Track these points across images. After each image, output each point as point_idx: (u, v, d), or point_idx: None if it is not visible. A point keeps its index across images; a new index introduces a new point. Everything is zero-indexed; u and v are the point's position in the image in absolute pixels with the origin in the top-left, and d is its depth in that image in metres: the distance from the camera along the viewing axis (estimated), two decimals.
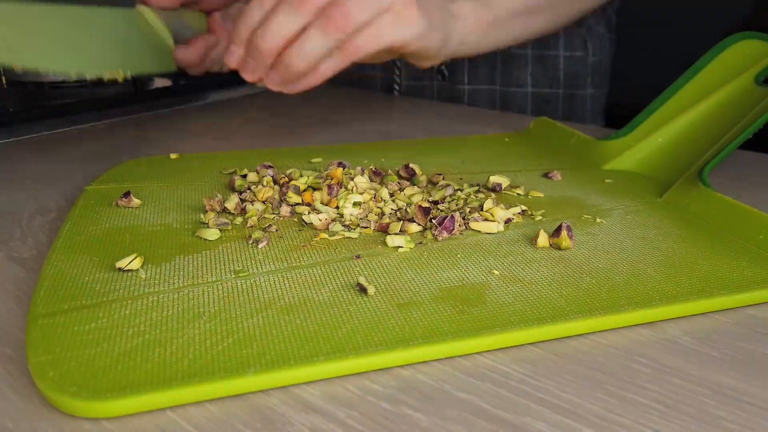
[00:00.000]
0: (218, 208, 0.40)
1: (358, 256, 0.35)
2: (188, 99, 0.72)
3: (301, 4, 0.40)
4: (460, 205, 0.42)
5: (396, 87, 0.78)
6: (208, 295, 0.31)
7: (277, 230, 0.38)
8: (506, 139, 0.60)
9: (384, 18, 0.42)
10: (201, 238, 0.37)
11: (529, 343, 0.29)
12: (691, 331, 0.30)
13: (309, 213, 0.39)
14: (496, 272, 0.33)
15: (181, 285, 0.32)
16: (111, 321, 0.28)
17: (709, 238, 0.38)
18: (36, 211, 0.42)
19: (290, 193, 0.41)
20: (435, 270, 0.34)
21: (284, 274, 0.33)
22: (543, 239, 0.37)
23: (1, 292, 0.32)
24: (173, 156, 0.46)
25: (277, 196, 0.42)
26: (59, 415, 0.24)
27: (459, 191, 0.44)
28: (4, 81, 0.69)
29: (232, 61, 0.44)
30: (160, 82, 0.78)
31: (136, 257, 0.33)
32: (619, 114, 0.84)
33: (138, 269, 0.33)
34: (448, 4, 0.49)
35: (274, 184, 0.44)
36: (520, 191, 0.45)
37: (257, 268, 0.33)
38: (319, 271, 0.33)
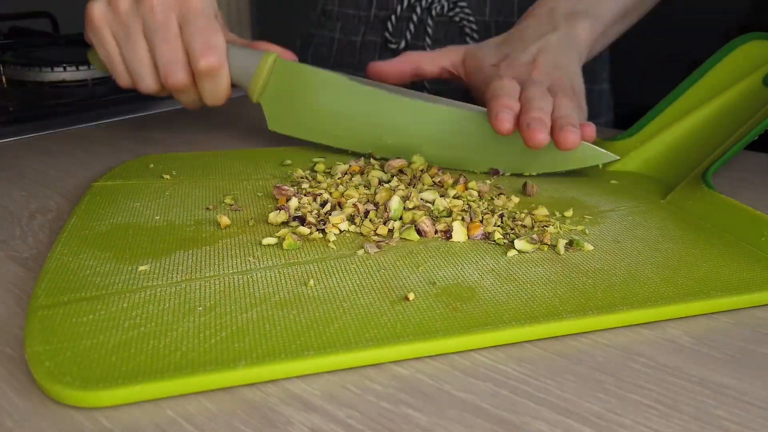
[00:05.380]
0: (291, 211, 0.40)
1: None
2: None
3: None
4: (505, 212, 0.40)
5: (426, 87, 0.78)
6: (205, 290, 0.31)
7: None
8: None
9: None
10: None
11: (529, 343, 0.29)
12: (690, 330, 0.30)
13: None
14: (492, 270, 0.33)
15: (179, 279, 0.32)
16: (108, 313, 0.29)
17: (711, 240, 0.38)
18: (36, 211, 0.42)
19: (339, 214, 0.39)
20: (431, 268, 0.34)
21: (281, 270, 0.33)
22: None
23: (1, 291, 0.32)
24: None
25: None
26: (60, 414, 0.24)
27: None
28: (4, 81, 0.69)
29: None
30: None
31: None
32: (620, 113, 0.84)
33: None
34: (572, 25, 0.54)
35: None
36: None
37: (255, 264, 0.33)
38: (316, 268, 0.33)
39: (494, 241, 0.37)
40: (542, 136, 0.42)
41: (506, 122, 0.43)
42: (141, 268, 0.33)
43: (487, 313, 0.29)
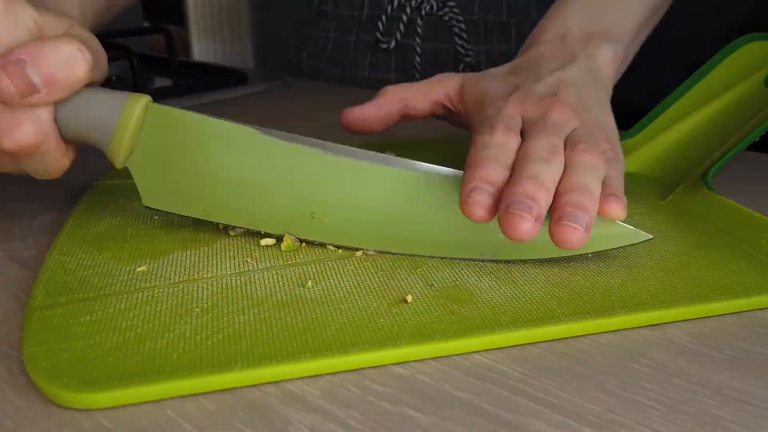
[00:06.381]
0: None
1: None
2: (188, 99, 0.72)
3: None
4: None
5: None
6: (203, 291, 0.31)
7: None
8: None
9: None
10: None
11: (529, 343, 0.29)
12: (691, 331, 0.30)
13: None
14: (490, 273, 0.33)
15: (177, 280, 0.32)
16: (105, 314, 0.29)
17: (710, 242, 0.37)
18: (36, 211, 0.42)
19: None
20: (429, 269, 0.34)
21: (279, 272, 0.33)
22: None
23: (1, 291, 0.32)
24: None
25: None
26: (60, 415, 0.24)
27: None
28: None
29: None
30: (159, 82, 0.78)
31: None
32: (620, 114, 0.84)
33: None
34: (593, 54, 0.45)
35: None
36: None
37: (253, 265, 0.33)
38: (314, 269, 0.33)
39: None
40: (525, 225, 0.30)
41: (480, 208, 0.31)
42: (139, 268, 0.33)
43: (485, 316, 0.29)
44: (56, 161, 0.34)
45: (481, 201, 0.31)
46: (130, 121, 0.34)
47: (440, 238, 0.35)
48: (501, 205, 0.31)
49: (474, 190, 0.32)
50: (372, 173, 0.35)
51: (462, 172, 0.34)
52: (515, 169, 0.33)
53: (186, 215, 0.36)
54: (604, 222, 0.34)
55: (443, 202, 0.35)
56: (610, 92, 0.45)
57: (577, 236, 0.31)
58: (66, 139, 0.34)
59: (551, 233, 0.31)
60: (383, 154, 0.36)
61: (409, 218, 0.35)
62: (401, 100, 0.44)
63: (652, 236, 0.35)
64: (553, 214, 0.31)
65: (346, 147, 0.36)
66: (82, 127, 0.34)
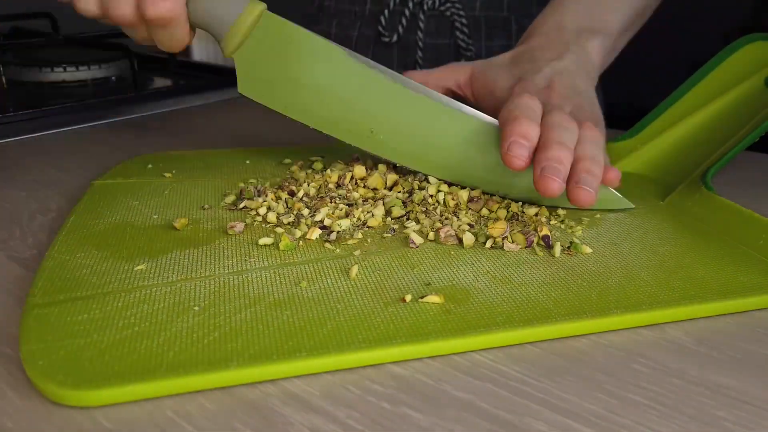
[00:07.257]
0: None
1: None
2: (188, 99, 0.72)
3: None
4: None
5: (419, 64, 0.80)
6: (200, 290, 0.31)
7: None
8: None
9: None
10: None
11: (529, 343, 0.29)
12: (691, 331, 0.30)
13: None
14: (487, 273, 0.33)
15: (174, 279, 0.32)
16: (103, 312, 0.29)
17: (709, 243, 0.37)
18: (36, 211, 0.42)
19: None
20: (427, 270, 0.34)
21: (276, 271, 0.33)
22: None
23: (0, 291, 0.32)
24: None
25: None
26: (59, 414, 0.24)
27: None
28: (4, 81, 0.69)
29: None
30: (159, 82, 0.78)
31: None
32: (619, 114, 0.84)
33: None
34: (583, 44, 0.51)
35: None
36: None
37: (251, 264, 0.33)
38: (311, 269, 0.33)
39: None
40: (556, 186, 0.37)
41: (519, 160, 0.38)
42: (137, 267, 0.33)
43: (481, 316, 0.29)
44: (181, 37, 0.42)
45: (519, 154, 0.38)
46: (247, 20, 0.42)
47: (475, 174, 0.43)
48: (536, 167, 0.37)
49: (513, 144, 0.38)
50: (428, 108, 0.43)
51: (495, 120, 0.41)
52: (544, 134, 0.39)
53: (270, 107, 0.44)
54: (602, 187, 0.40)
55: (485, 145, 0.42)
56: (596, 78, 0.51)
57: (590, 197, 0.37)
58: (191, 23, 0.42)
59: (569, 193, 0.37)
60: (443, 96, 0.43)
61: (452, 154, 0.43)
62: (419, 82, 0.49)
63: (634, 206, 0.42)
64: (571, 178, 0.37)
65: (414, 82, 0.43)
66: (207, 16, 0.42)
